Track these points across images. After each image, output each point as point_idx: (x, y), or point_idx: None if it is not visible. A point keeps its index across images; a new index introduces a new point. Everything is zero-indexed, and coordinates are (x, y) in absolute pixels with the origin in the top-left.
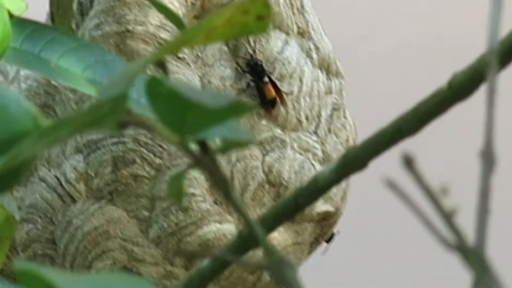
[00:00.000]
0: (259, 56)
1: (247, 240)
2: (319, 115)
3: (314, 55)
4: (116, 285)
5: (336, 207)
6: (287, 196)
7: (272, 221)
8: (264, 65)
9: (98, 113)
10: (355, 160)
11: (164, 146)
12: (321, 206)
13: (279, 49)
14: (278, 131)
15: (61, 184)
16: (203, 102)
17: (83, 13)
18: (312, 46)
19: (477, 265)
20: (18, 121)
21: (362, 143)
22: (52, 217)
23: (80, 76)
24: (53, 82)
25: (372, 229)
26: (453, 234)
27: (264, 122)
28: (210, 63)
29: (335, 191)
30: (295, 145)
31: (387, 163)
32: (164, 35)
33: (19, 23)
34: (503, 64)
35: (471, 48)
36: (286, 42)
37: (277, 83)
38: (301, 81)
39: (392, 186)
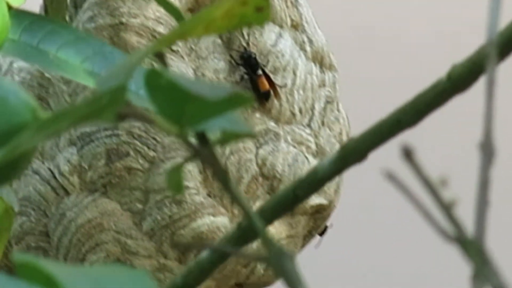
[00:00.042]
0: (253, 49)
1: (246, 232)
2: (312, 108)
3: (308, 48)
4: (115, 277)
5: (330, 200)
6: (285, 188)
7: (270, 213)
8: (257, 58)
9: (97, 105)
10: (354, 152)
11: (158, 138)
12: (314, 199)
13: (272, 42)
14: (271, 124)
15: (54, 177)
16: (202, 94)
17: (76, 5)
18: (305, 39)
19: (476, 257)
20: (17, 113)
21: (361, 134)
22: (45, 210)
23: (79, 68)
24: (47, 75)
25: (367, 222)
26: (452, 226)
27: (257, 115)
28: (204, 56)
29: (328, 184)
30: (289, 138)
31: (385, 155)
32: (159, 28)
33: (17, 15)
34: (502, 56)
35: (468, 40)
36: (280, 35)
37: (271, 76)
38: (294, 74)
39: (392, 177)
